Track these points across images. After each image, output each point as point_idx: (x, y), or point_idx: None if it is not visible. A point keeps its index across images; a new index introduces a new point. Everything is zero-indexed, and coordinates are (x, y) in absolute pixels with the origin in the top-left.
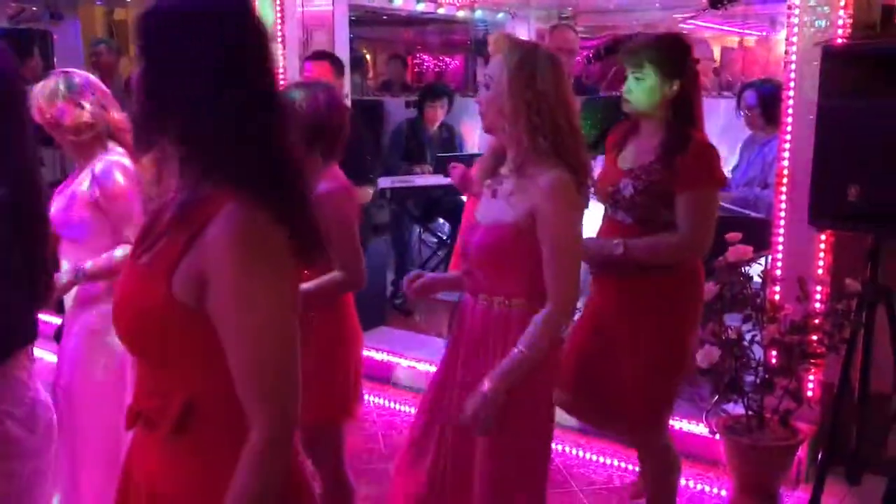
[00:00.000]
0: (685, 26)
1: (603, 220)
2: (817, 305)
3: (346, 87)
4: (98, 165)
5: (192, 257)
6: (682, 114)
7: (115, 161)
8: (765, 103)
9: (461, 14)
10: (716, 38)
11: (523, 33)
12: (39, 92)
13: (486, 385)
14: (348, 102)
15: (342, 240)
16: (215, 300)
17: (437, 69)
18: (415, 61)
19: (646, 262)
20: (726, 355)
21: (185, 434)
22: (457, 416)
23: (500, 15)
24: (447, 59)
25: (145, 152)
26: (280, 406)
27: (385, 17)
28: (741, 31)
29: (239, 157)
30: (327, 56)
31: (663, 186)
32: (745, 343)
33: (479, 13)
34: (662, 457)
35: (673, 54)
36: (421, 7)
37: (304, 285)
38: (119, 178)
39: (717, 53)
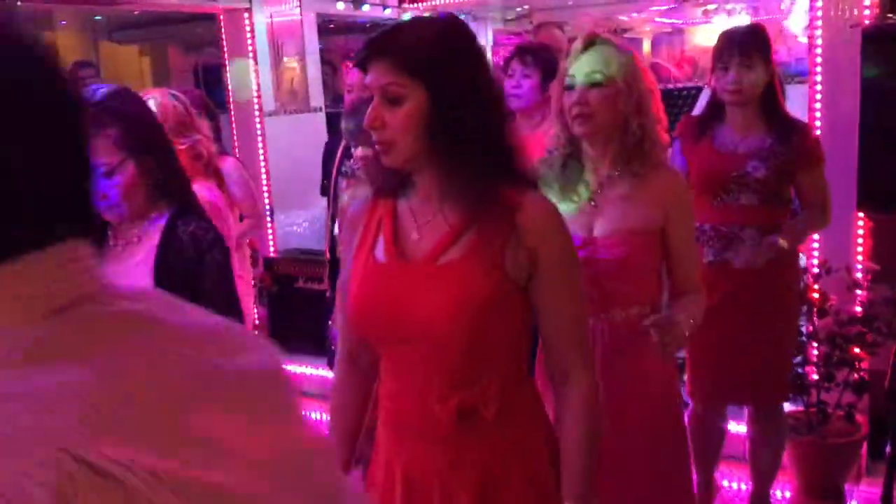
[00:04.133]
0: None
1: (706, 208)
2: (859, 292)
3: None
4: None
5: (515, 241)
6: (774, 97)
7: None
8: None
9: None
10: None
11: (483, 35)
12: None
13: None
14: None
15: None
16: (546, 270)
17: None
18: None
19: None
20: None
21: (507, 415)
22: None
23: (461, 17)
24: None
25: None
26: (592, 354)
27: (332, 26)
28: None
29: (515, 160)
30: None
31: (786, 166)
32: (804, 339)
33: None
34: (783, 418)
35: (768, 44)
36: (388, 13)
37: None
38: None
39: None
